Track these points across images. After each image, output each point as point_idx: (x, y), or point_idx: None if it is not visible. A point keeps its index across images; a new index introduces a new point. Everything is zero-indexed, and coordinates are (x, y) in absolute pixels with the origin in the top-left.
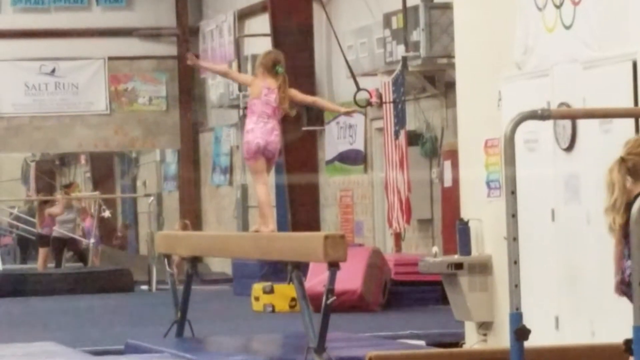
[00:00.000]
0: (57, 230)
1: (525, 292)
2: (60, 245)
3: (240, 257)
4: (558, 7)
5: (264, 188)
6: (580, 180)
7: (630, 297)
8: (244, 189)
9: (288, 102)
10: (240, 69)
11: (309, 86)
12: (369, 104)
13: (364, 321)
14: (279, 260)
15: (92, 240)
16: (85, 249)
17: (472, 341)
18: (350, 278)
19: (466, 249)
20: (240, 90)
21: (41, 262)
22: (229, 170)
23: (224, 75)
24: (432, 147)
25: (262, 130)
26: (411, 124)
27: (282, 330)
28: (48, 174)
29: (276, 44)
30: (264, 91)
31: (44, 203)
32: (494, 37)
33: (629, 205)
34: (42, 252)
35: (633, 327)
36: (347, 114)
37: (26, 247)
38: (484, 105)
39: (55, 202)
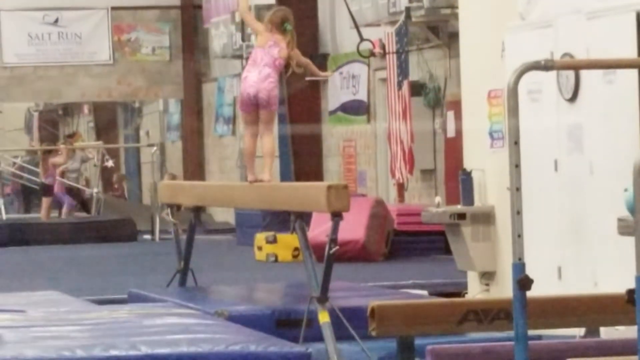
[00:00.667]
0: (60, 180)
1: (528, 242)
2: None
3: (244, 207)
4: None
5: (250, 140)
6: (583, 130)
7: None
8: None
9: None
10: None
11: (313, 37)
12: (372, 54)
13: (366, 271)
14: (282, 210)
15: (95, 190)
16: (88, 199)
17: (475, 291)
18: (353, 228)
19: (469, 199)
20: (243, 40)
21: (44, 212)
22: (232, 120)
23: (242, 13)
24: (435, 97)
25: (256, 78)
26: (414, 75)
27: (285, 280)
28: (51, 123)
29: None
30: (269, 42)
31: (48, 153)
32: None
33: None
34: (45, 201)
35: (635, 277)
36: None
37: (29, 196)
38: (488, 56)
39: (58, 151)
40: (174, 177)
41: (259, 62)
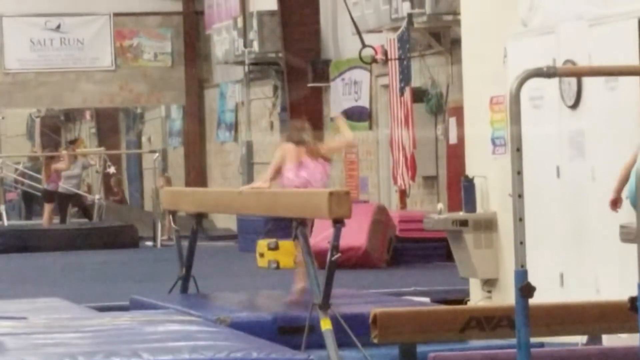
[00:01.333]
0: (62, 186)
1: (530, 249)
2: (65, 201)
3: (245, 214)
4: None
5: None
6: (585, 137)
7: None
8: (249, 145)
9: (322, 154)
10: (245, 24)
11: (315, 43)
12: (374, 60)
13: (368, 278)
14: (284, 217)
15: (97, 197)
16: (90, 205)
17: (477, 298)
18: (355, 235)
19: (471, 206)
20: (245, 46)
21: (46, 218)
22: (234, 126)
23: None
24: (438, 104)
25: (308, 173)
26: (416, 81)
27: (287, 287)
28: (53, 129)
29: (282, 0)
30: (299, 162)
31: (50, 159)
32: None
33: None
34: (47, 207)
35: (638, 285)
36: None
37: (31, 202)
38: (490, 62)
39: (60, 158)
40: (168, 180)
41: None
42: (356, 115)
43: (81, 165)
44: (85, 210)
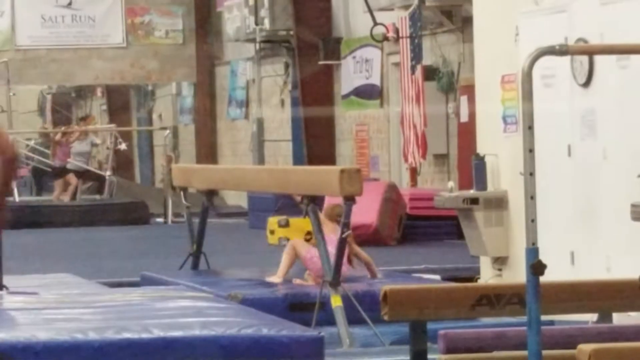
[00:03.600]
0: (72, 162)
1: (540, 227)
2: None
3: (256, 191)
4: None
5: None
6: (596, 115)
7: None
8: (260, 123)
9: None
10: (256, 1)
11: (326, 21)
12: (385, 38)
13: (379, 255)
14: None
15: (108, 173)
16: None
17: (487, 276)
18: (366, 212)
19: (482, 184)
20: (256, 24)
21: (57, 194)
22: (245, 103)
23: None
24: (449, 82)
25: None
26: (427, 59)
27: (297, 264)
28: (64, 106)
29: None
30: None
31: (63, 135)
32: None
33: None
34: (57, 184)
35: None
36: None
37: (41, 179)
38: (501, 40)
39: (72, 134)
40: (170, 160)
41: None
42: (367, 93)
43: (90, 142)
44: (100, 186)
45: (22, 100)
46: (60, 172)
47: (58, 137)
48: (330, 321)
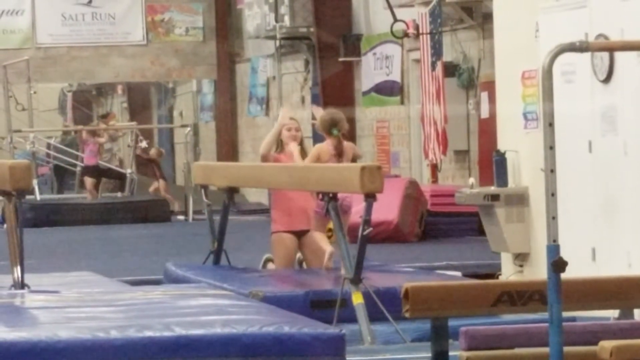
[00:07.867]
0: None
1: (561, 224)
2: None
3: (277, 188)
4: None
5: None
6: (617, 111)
7: None
8: None
9: (349, 156)
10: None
11: (346, 17)
12: (405, 35)
13: (400, 252)
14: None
15: (129, 171)
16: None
17: (509, 272)
18: (387, 209)
19: (503, 181)
20: (276, 21)
21: (89, 193)
22: (265, 101)
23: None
24: (469, 78)
25: None
26: (448, 55)
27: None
28: (85, 104)
29: None
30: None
31: (90, 133)
32: None
33: None
34: (87, 182)
35: None
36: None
37: (63, 177)
38: (522, 37)
39: (97, 132)
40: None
41: None
42: (387, 89)
43: (114, 139)
44: (121, 184)
45: (42, 98)
46: (93, 171)
47: (85, 135)
48: (351, 318)
